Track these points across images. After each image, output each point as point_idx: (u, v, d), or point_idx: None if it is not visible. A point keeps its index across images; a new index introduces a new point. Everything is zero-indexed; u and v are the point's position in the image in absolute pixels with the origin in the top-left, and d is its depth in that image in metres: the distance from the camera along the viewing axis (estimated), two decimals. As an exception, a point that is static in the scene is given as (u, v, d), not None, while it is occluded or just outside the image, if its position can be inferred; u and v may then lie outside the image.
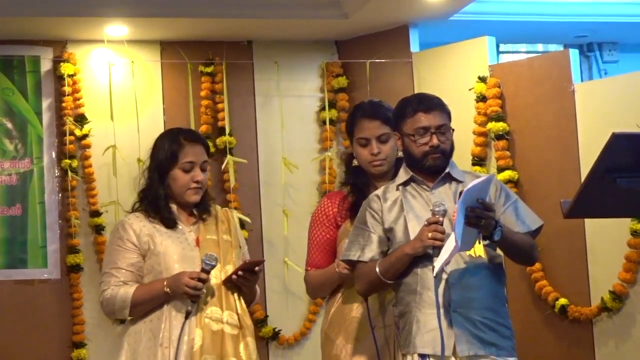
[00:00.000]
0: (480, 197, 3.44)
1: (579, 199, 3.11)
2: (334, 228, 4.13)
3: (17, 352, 6.30)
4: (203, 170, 4.00)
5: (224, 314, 3.87)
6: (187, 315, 3.81)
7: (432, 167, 3.69)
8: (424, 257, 3.57)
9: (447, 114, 3.76)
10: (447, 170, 3.71)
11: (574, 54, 6.10)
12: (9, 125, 6.46)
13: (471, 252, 3.59)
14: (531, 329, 5.98)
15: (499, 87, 6.25)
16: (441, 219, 3.51)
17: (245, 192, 6.69)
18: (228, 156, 6.57)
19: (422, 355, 3.58)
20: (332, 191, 4.27)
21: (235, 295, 3.93)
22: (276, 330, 6.65)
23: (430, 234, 3.50)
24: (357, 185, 4.12)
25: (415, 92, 6.52)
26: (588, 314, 5.84)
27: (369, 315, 3.93)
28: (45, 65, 6.54)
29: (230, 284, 3.91)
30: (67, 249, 6.43)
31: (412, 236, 3.61)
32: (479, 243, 3.57)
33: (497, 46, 6.78)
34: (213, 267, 3.82)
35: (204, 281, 3.81)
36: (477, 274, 3.61)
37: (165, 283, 3.84)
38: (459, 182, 3.71)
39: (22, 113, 6.48)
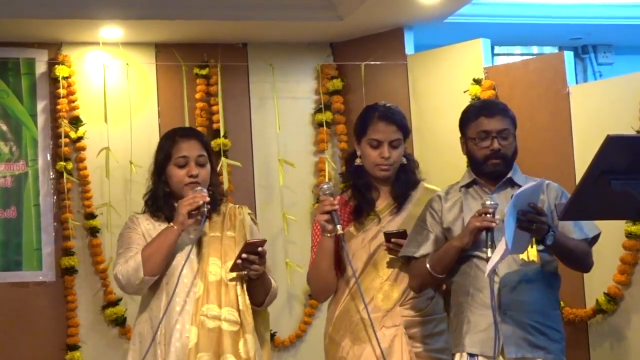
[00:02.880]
0: (531, 202, 3.47)
1: (574, 201, 3.12)
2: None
3: (11, 354, 6.29)
4: (200, 165, 3.97)
5: (222, 310, 3.85)
6: (204, 214, 3.83)
7: (492, 172, 3.75)
8: (477, 258, 3.65)
9: (511, 119, 3.83)
10: (508, 175, 3.77)
11: (568, 56, 6.11)
12: (4, 127, 6.45)
13: (524, 256, 3.64)
14: (526, 331, 5.98)
15: (494, 89, 6.25)
16: (491, 209, 3.55)
17: (240, 195, 6.68)
18: (222, 158, 6.57)
19: (470, 355, 3.65)
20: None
21: (238, 289, 3.90)
22: (272, 332, 6.65)
23: (478, 223, 3.55)
24: (357, 187, 4.11)
25: (410, 94, 6.55)
26: (583, 315, 5.84)
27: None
28: (40, 67, 6.53)
29: (238, 273, 3.89)
30: (62, 251, 6.43)
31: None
32: (532, 247, 3.60)
33: (492, 48, 6.79)
34: (203, 191, 3.86)
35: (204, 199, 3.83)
36: (529, 278, 3.65)
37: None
38: (520, 186, 3.73)
39: (16, 115, 6.47)
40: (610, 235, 5.66)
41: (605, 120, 5.76)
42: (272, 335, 6.64)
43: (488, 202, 3.58)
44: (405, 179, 4.08)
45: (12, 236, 6.40)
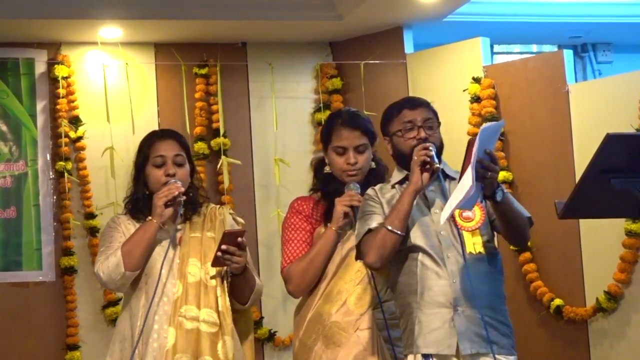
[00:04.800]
0: (490, 144, 3.43)
1: (574, 200, 3.12)
2: (311, 226, 4.09)
3: (11, 354, 6.30)
4: (178, 164, 3.97)
5: (201, 312, 3.85)
6: (180, 203, 3.86)
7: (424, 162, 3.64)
8: (423, 253, 3.61)
9: (434, 112, 3.79)
10: (440, 167, 3.70)
11: (568, 54, 6.11)
12: (4, 127, 6.45)
13: (471, 248, 3.60)
14: (526, 329, 5.98)
15: (493, 88, 6.25)
16: (430, 146, 3.59)
17: (240, 194, 6.68)
18: (222, 157, 6.58)
19: (425, 356, 3.58)
20: (301, 196, 4.24)
21: (219, 291, 3.90)
22: (272, 331, 6.65)
23: (421, 156, 3.55)
24: (328, 192, 4.08)
25: (410, 93, 6.55)
26: (583, 314, 5.84)
27: (378, 295, 3.89)
28: (40, 67, 6.53)
29: (218, 270, 3.90)
30: (62, 251, 6.43)
31: (411, 230, 3.62)
32: (481, 201, 3.54)
33: (491, 47, 6.79)
34: (177, 182, 3.88)
35: (177, 191, 3.86)
36: (478, 271, 3.60)
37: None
38: (452, 179, 3.72)
39: (16, 115, 6.47)
40: (610, 234, 5.68)
41: (605, 119, 5.76)
42: (272, 335, 6.64)
43: (426, 143, 3.61)
44: (375, 184, 4.04)
45: (12, 236, 6.40)
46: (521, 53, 7.94)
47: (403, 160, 3.73)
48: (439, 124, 3.79)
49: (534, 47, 8.03)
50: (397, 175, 3.79)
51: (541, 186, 6.01)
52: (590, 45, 7.83)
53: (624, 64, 7.59)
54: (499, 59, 7.49)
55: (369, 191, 3.81)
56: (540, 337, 6.04)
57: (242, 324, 4.01)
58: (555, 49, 7.69)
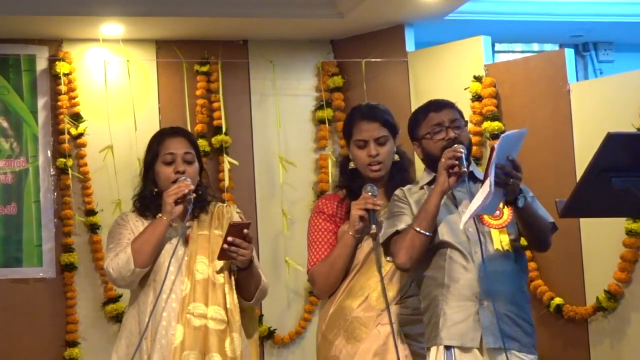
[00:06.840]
0: (513, 151, 3.47)
1: (575, 199, 3.12)
2: (335, 225, 4.11)
3: (10, 350, 6.30)
4: (187, 162, 3.99)
5: (208, 309, 3.86)
6: (190, 201, 3.86)
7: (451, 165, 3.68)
8: (451, 248, 3.64)
9: (459, 112, 3.86)
10: (470, 169, 3.73)
11: (569, 53, 6.11)
12: (5, 124, 6.46)
13: (499, 245, 3.64)
14: (526, 328, 5.98)
15: (495, 86, 6.25)
16: (460, 148, 3.62)
17: (241, 192, 6.68)
18: (224, 156, 6.58)
19: (447, 347, 3.61)
20: (327, 193, 4.25)
21: (226, 288, 3.91)
22: (271, 329, 6.65)
23: (450, 158, 3.58)
24: (352, 189, 4.10)
25: (411, 91, 6.56)
26: (583, 313, 5.84)
27: (386, 297, 3.91)
28: (41, 64, 6.53)
29: (225, 264, 3.91)
30: (62, 247, 6.43)
31: (439, 227, 3.65)
32: (503, 207, 3.59)
33: (493, 46, 6.79)
34: (187, 180, 3.89)
35: (187, 188, 3.88)
36: (505, 268, 3.65)
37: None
38: (479, 180, 3.73)
39: (17, 112, 6.47)
40: (610, 233, 5.68)
41: (606, 118, 5.76)
42: (272, 333, 6.64)
43: (456, 146, 3.64)
44: (399, 178, 4.04)
45: (13, 232, 6.40)
46: (522, 52, 7.93)
47: (434, 162, 3.75)
48: (466, 123, 3.85)
49: (535, 46, 8.02)
50: (425, 177, 3.84)
51: (542, 185, 5.98)
52: (591, 44, 7.82)
53: (625, 63, 7.58)
54: (500, 58, 7.49)
55: (397, 192, 3.85)
56: (540, 336, 5.98)
57: (245, 322, 4.01)
58: (556, 47, 7.68)
